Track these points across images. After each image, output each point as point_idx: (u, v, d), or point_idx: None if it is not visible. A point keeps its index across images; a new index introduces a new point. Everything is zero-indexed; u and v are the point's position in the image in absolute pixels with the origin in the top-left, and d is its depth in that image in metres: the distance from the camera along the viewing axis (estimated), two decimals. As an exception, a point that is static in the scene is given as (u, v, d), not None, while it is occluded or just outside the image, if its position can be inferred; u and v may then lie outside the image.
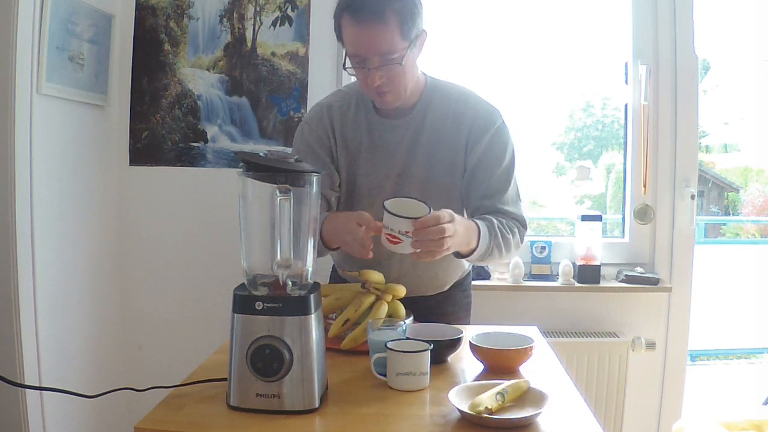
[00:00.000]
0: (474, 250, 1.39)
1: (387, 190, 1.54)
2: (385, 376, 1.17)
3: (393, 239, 1.25)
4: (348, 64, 1.43)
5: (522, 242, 1.53)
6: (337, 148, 1.57)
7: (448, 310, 1.71)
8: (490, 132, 1.51)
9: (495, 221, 1.44)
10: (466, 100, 1.53)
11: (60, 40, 1.93)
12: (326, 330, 1.28)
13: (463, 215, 1.57)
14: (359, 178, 1.57)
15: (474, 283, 2.14)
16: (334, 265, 1.80)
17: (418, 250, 1.26)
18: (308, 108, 2.28)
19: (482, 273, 2.30)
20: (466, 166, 1.53)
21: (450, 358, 1.31)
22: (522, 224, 1.53)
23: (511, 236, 1.47)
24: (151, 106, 2.34)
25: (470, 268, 1.81)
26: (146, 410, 1.03)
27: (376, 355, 1.18)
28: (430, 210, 1.26)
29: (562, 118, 2.92)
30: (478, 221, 1.41)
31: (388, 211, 1.25)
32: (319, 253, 1.40)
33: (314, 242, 1.13)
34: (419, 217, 1.23)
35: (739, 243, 6.63)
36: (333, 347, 1.33)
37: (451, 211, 1.27)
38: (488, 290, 2.24)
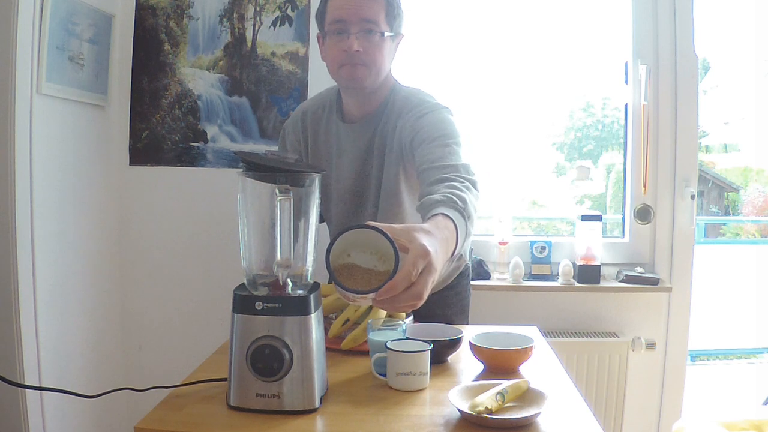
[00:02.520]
0: (455, 250, 1.08)
1: (353, 191, 1.58)
2: (385, 376, 1.17)
3: (350, 300, 0.94)
4: (322, 33, 1.47)
5: (478, 190, 1.25)
6: (309, 155, 1.63)
7: (437, 312, 1.65)
8: (415, 118, 1.43)
9: (455, 196, 1.14)
10: (410, 99, 1.50)
11: (60, 40, 1.93)
12: (326, 330, 1.28)
13: (413, 208, 1.52)
14: (331, 181, 1.61)
15: (474, 283, 2.14)
16: None
17: None
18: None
19: (482, 273, 2.30)
20: (404, 159, 1.48)
21: (450, 358, 1.31)
22: (466, 171, 1.27)
23: (471, 195, 1.19)
24: (151, 106, 2.34)
25: (464, 269, 1.77)
26: (146, 410, 1.03)
27: (376, 355, 1.18)
28: (392, 245, 0.89)
29: (562, 118, 2.92)
30: (443, 211, 1.08)
31: (338, 284, 0.91)
32: None
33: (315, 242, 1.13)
34: (378, 288, 0.88)
35: (739, 243, 6.63)
36: (333, 347, 1.33)
37: (425, 244, 0.91)
38: (488, 290, 2.24)
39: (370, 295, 0.89)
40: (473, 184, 1.24)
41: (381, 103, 1.54)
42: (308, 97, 2.28)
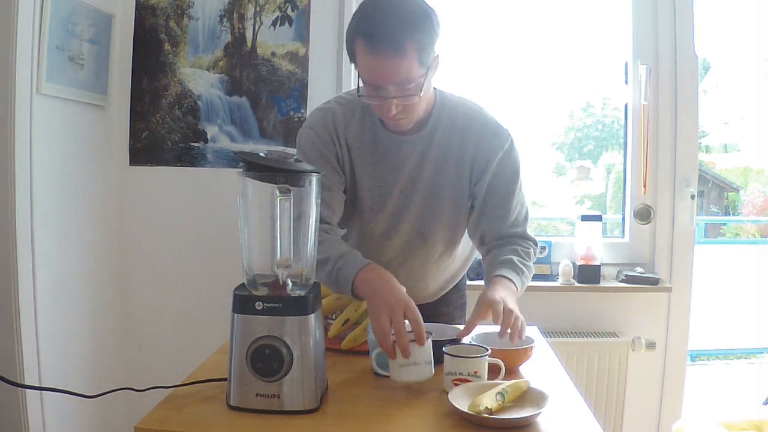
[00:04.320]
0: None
1: (390, 205, 1.52)
2: (383, 374, 1.17)
3: (460, 382, 1.13)
4: (362, 91, 1.35)
5: (535, 257, 1.55)
6: (342, 155, 1.52)
7: (443, 311, 1.71)
8: (498, 155, 1.47)
9: (515, 259, 1.44)
10: (473, 117, 1.50)
11: (60, 40, 1.93)
12: (326, 330, 1.28)
13: (463, 230, 1.58)
14: (361, 191, 1.53)
15: (474, 283, 2.14)
16: None
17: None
18: (308, 108, 2.28)
19: (482, 273, 2.29)
20: (473, 189, 1.50)
21: (450, 358, 1.31)
22: (534, 243, 1.54)
23: (530, 263, 1.49)
24: (151, 106, 2.34)
25: (465, 270, 1.80)
26: (146, 410, 1.03)
27: (377, 350, 1.18)
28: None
29: (562, 118, 2.92)
30: (505, 272, 1.40)
31: (452, 354, 1.15)
32: (337, 286, 1.31)
33: (316, 242, 1.13)
34: (486, 354, 1.16)
35: (739, 243, 6.63)
36: (333, 347, 1.33)
37: (491, 298, 1.28)
38: (488, 290, 2.24)
39: (479, 375, 1.15)
40: (534, 254, 1.53)
41: (429, 116, 1.48)
42: (308, 97, 2.29)
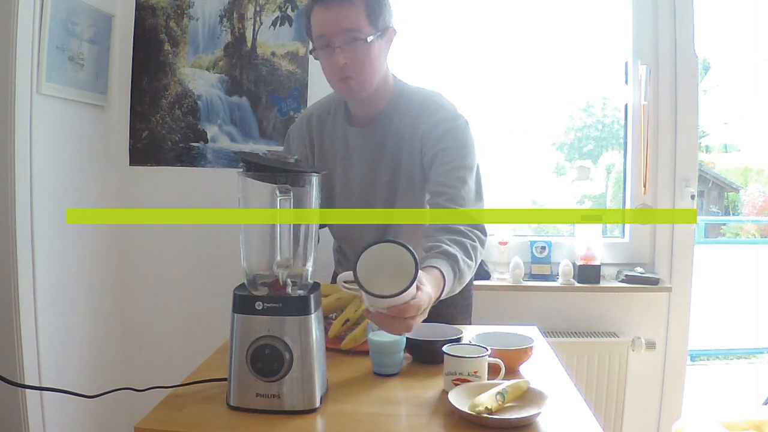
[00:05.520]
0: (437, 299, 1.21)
1: (359, 196, 1.56)
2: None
3: (460, 382, 1.11)
4: (313, 48, 1.45)
5: (481, 255, 1.38)
6: (315, 158, 1.61)
7: (443, 311, 1.67)
8: (441, 130, 1.45)
9: (459, 257, 1.27)
10: (428, 104, 1.50)
11: (60, 40, 1.93)
12: (326, 330, 1.28)
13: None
14: (336, 185, 1.59)
15: (474, 283, 2.15)
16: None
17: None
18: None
19: (482, 273, 2.30)
20: (423, 166, 1.49)
21: (450, 358, 1.31)
22: (482, 232, 1.39)
23: (472, 262, 1.33)
24: (151, 106, 2.34)
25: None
26: (146, 410, 1.03)
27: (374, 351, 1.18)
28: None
29: (562, 118, 2.92)
30: (443, 268, 1.22)
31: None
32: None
33: (317, 242, 1.14)
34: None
35: (739, 243, 6.62)
36: (333, 347, 1.33)
37: (431, 294, 1.09)
38: (488, 290, 2.24)
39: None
40: (482, 246, 1.35)
41: (387, 105, 1.52)
42: (308, 97, 2.29)
